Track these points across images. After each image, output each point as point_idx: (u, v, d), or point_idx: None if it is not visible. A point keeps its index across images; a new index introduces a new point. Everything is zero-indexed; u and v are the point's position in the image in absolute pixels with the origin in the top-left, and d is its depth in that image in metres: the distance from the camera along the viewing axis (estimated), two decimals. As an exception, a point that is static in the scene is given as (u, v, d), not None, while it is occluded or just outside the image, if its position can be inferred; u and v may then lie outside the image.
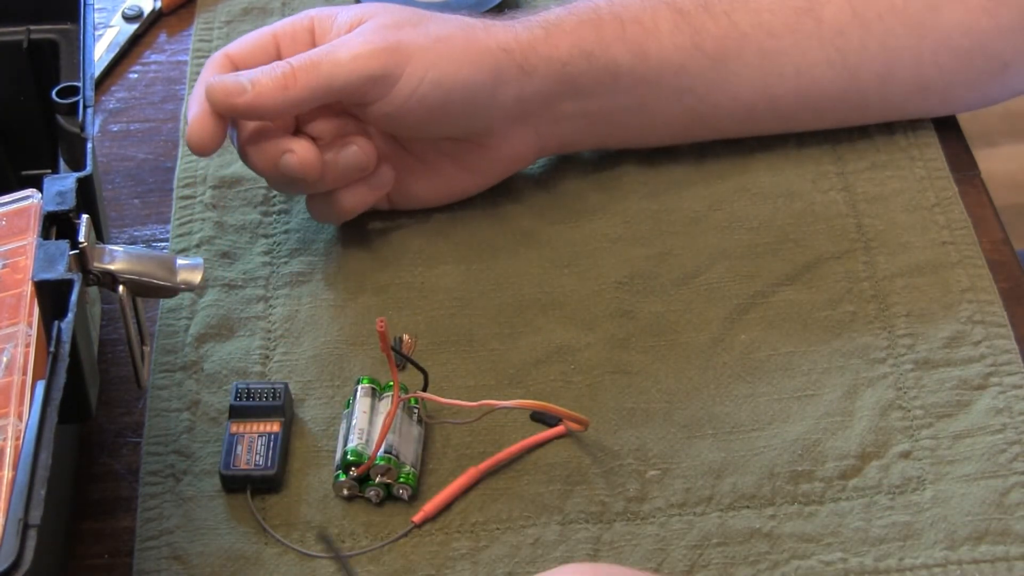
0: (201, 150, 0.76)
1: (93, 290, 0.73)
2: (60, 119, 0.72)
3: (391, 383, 0.73)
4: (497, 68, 0.78)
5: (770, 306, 0.79)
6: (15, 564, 0.54)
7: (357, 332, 0.79)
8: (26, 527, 0.55)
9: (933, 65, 0.84)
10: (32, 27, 0.79)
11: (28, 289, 0.64)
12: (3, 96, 0.80)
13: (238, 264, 0.83)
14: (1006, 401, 0.75)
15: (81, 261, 0.67)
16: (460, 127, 0.80)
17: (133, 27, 0.97)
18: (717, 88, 0.83)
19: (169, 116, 0.92)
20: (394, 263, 0.82)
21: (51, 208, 0.67)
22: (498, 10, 0.91)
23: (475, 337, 0.79)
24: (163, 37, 0.98)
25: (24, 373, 0.62)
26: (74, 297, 0.63)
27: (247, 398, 0.74)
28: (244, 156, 0.79)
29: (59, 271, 0.64)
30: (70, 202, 0.67)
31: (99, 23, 0.96)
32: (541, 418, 0.75)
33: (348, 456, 0.71)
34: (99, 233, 0.70)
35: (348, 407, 0.74)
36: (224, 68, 0.77)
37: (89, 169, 0.69)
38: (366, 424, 0.72)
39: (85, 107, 0.72)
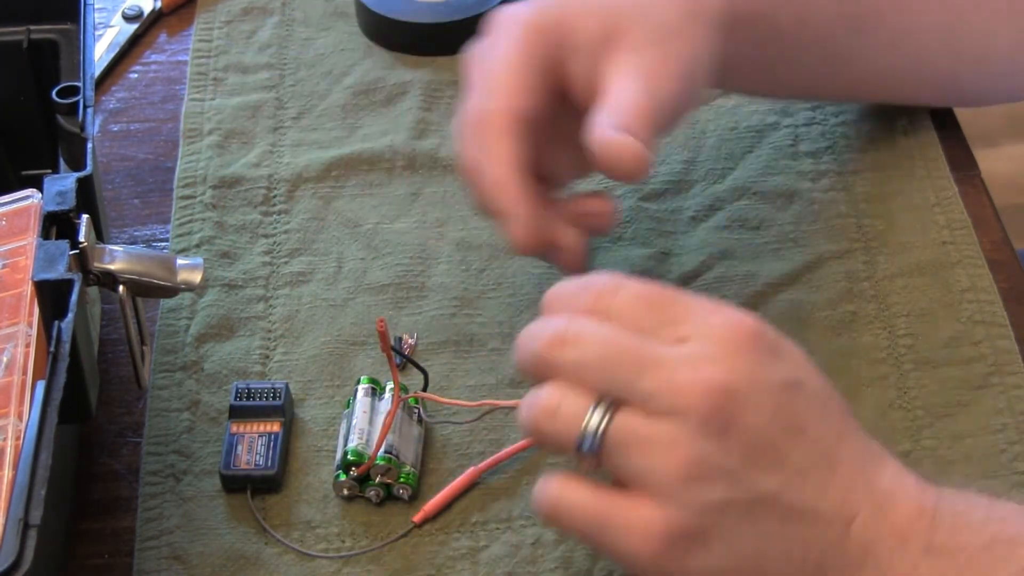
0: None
1: (93, 290, 0.73)
2: (60, 119, 0.72)
3: (391, 383, 0.73)
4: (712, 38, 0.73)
5: (770, 306, 0.79)
6: (15, 564, 0.54)
7: (357, 332, 0.79)
8: (26, 527, 0.55)
9: None
10: (32, 27, 0.79)
11: (28, 289, 0.64)
12: (3, 96, 0.80)
13: (238, 264, 0.83)
14: (1006, 401, 0.75)
15: (81, 261, 0.67)
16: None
17: (133, 27, 0.97)
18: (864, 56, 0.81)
19: (169, 116, 0.92)
20: (394, 263, 0.82)
21: (51, 208, 0.67)
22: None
23: (475, 337, 0.79)
24: (163, 37, 0.98)
25: (24, 373, 0.62)
26: (74, 297, 0.63)
27: (247, 398, 0.74)
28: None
29: (59, 271, 0.64)
30: (70, 202, 0.67)
31: (99, 23, 0.96)
32: (541, 418, 0.75)
33: (348, 456, 0.71)
34: (99, 233, 0.70)
35: (348, 407, 0.74)
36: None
37: (89, 169, 0.69)
38: (366, 424, 0.72)
39: (85, 107, 0.72)
